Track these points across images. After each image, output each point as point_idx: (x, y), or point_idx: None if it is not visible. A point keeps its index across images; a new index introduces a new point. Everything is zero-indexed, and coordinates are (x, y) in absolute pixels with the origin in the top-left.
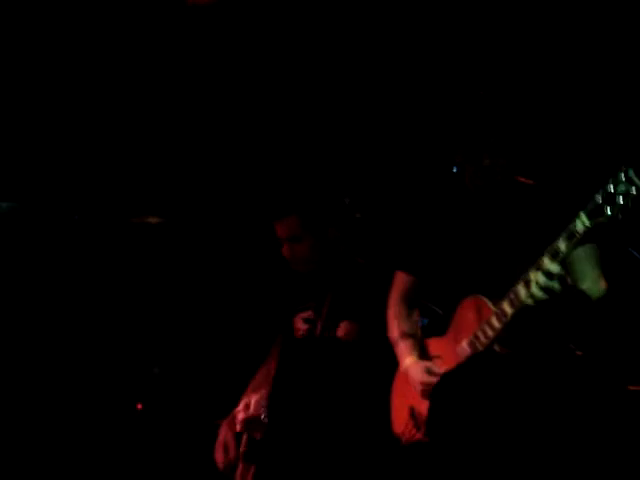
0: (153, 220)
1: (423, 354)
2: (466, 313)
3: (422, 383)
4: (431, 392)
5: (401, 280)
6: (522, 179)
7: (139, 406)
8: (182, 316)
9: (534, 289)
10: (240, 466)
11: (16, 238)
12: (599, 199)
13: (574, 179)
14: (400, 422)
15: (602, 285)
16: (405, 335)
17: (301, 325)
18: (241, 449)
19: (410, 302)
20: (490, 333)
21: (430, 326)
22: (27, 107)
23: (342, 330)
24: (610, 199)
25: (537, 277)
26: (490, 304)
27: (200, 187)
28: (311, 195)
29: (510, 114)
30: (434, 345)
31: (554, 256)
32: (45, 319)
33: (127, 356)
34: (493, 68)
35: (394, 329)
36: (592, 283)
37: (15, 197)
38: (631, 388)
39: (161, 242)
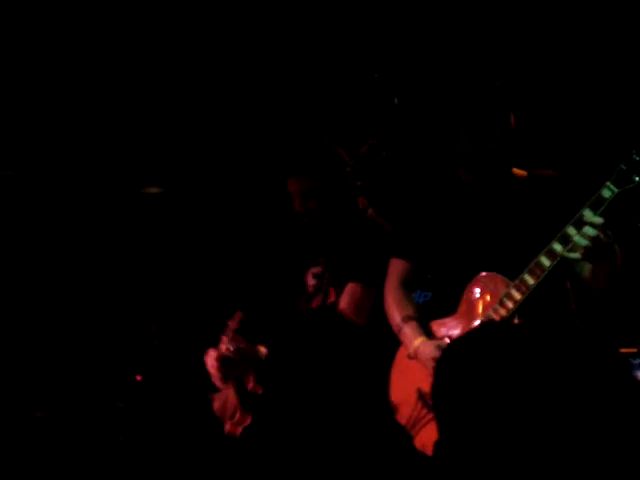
0: (153, 190)
1: (429, 335)
2: (480, 289)
3: (435, 359)
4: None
5: (396, 267)
6: (517, 170)
7: (138, 378)
8: (185, 285)
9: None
10: (237, 415)
11: (15, 207)
12: (624, 167)
13: (566, 168)
14: (406, 407)
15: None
16: (408, 318)
17: (311, 281)
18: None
19: (407, 287)
20: (510, 305)
21: (430, 308)
22: (27, 77)
23: (347, 292)
24: (636, 167)
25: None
26: (506, 279)
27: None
28: (324, 153)
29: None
30: (440, 327)
31: (577, 225)
32: (45, 286)
33: (127, 327)
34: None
35: (395, 315)
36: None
37: (14, 167)
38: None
39: (162, 211)
